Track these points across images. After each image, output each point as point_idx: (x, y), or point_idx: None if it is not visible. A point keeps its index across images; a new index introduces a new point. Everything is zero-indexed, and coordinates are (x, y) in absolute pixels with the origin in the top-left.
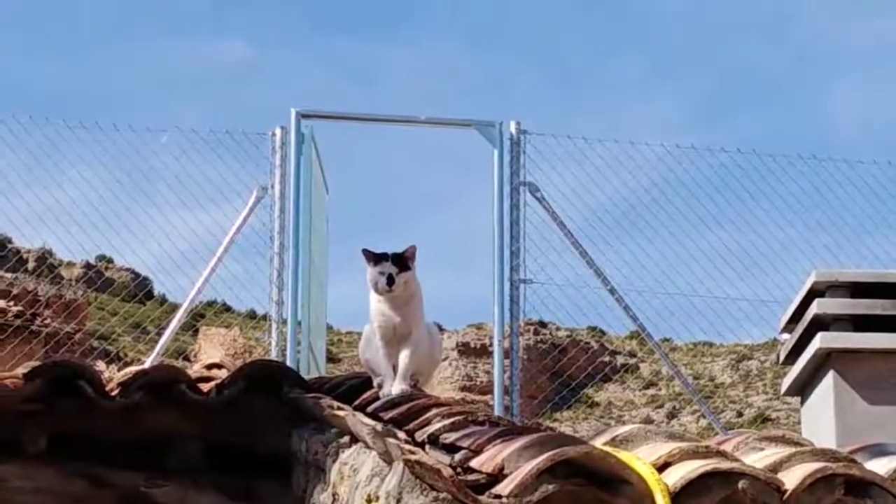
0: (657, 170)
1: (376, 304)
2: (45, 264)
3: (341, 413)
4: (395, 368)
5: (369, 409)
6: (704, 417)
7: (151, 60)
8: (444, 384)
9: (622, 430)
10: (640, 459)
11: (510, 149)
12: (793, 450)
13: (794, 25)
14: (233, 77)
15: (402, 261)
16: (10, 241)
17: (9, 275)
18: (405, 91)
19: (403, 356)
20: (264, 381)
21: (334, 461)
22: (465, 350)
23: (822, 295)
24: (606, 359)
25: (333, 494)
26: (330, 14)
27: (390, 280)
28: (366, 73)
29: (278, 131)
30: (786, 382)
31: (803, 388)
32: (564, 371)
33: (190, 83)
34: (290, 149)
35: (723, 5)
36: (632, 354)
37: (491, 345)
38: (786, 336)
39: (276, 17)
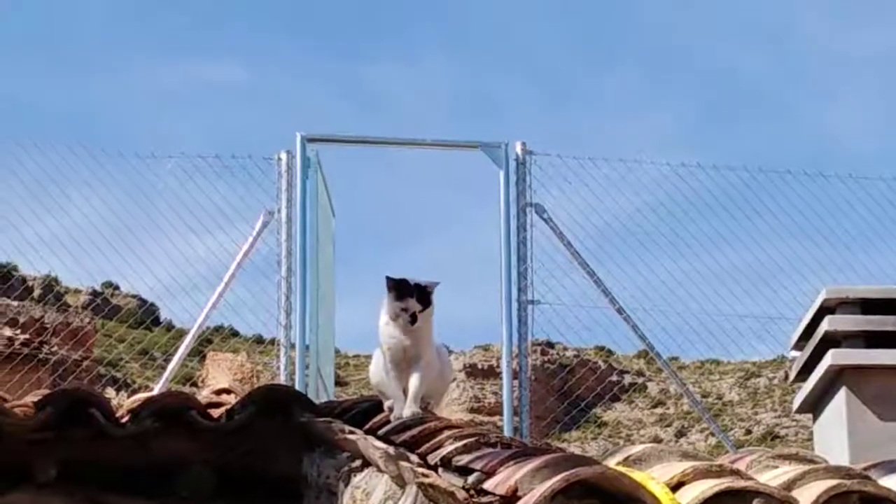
0: (663, 188)
1: (385, 328)
2: (52, 292)
3: (353, 437)
4: (405, 391)
5: (381, 432)
6: (713, 435)
7: (150, 82)
8: (452, 406)
9: (635, 449)
10: (654, 479)
11: (516, 169)
12: (806, 467)
13: (792, 37)
14: (232, 100)
15: (425, 296)
16: (16, 269)
17: (15, 303)
18: (403, 111)
19: (414, 379)
20: (274, 405)
21: (346, 485)
22: (472, 371)
23: (832, 312)
24: (614, 378)
25: None
26: (328, 38)
27: (413, 319)
28: (364, 95)
29: (284, 155)
30: (797, 400)
31: (815, 405)
32: (573, 391)
33: (190, 105)
34: (296, 173)
35: (718, 17)
36: (640, 373)
37: (498, 366)
38: (795, 354)
39: (272, 40)
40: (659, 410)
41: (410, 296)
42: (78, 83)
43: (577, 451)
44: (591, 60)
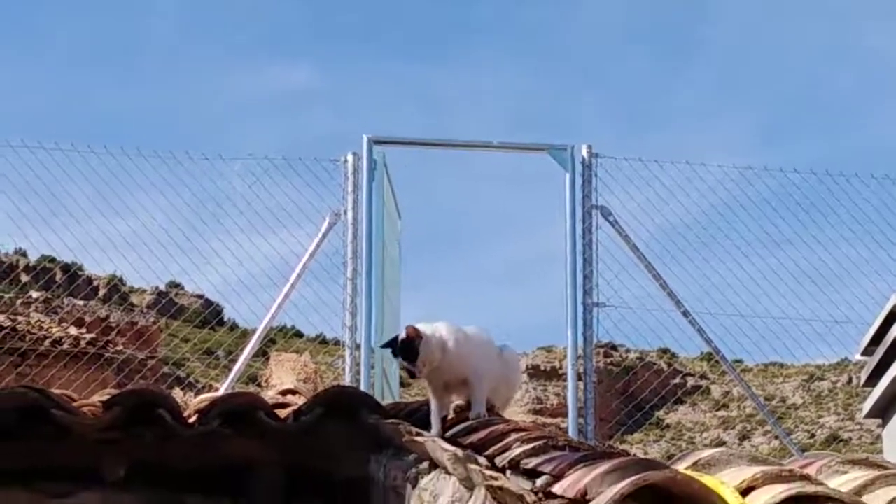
0: (729, 190)
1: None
2: (118, 292)
3: (420, 439)
4: (445, 420)
5: (448, 434)
6: (777, 439)
7: (221, 86)
8: (514, 407)
9: (704, 454)
10: (724, 484)
11: (582, 172)
12: (877, 473)
13: (855, 46)
14: (301, 102)
15: (407, 349)
16: (81, 269)
17: (81, 302)
18: (470, 113)
19: (471, 394)
20: (342, 407)
21: (414, 487)
22: (535, 373)
23: None
24: (677, 381)
25: None
26: (397, 41)
27: (411, 374)
28: (432, 98)
29: (350, 157)
30: (866, 405)
31: (885, 410)
32: (636, 394)
33: (258, 108)
34: (362, 175)
35: (784, 26)
36: (703, 376)
37: (561, 367)
38: (864, 359)
39: (343, 43)
40: (722, 413)
41: (395, 356)
42: (148, 87)
43: (640, 454)
44: (664, 65)
